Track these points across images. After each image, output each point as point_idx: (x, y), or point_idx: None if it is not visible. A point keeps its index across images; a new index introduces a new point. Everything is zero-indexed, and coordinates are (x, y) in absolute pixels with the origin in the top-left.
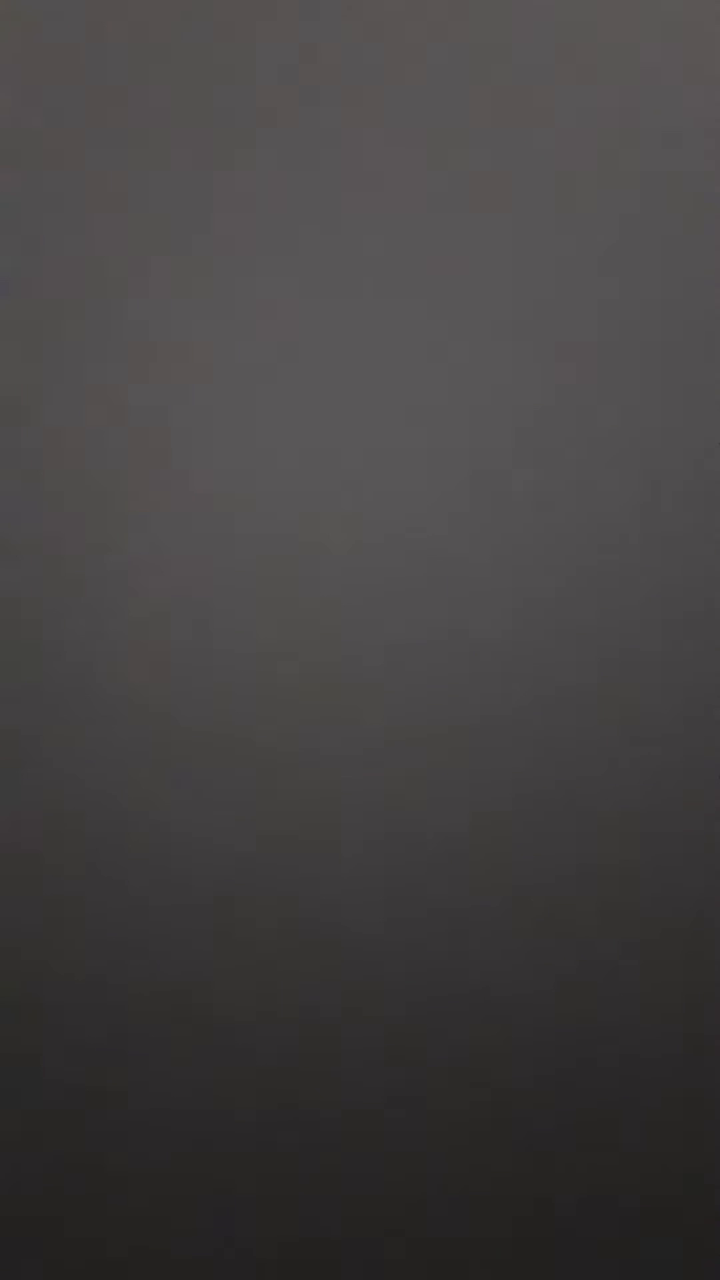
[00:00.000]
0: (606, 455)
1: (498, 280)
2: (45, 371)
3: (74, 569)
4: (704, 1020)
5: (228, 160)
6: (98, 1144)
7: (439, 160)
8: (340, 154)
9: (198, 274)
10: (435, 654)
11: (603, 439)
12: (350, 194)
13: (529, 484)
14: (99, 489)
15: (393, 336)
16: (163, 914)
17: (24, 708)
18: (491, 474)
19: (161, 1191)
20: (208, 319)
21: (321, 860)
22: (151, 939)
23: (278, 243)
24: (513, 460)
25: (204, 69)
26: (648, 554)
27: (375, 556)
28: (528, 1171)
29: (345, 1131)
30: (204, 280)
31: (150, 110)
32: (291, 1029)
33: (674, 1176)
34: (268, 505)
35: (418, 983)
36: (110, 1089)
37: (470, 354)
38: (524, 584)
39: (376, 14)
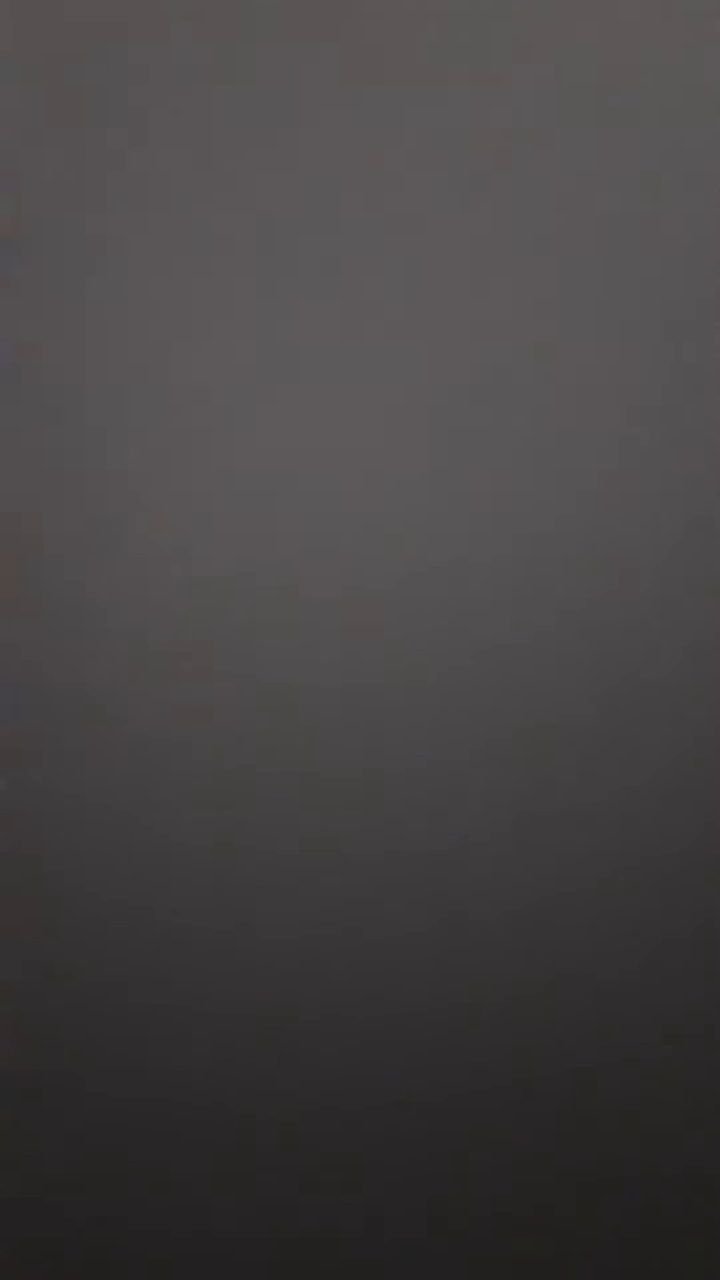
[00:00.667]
0: (608, 462)
1: (499, 285)
2: (45, 372)
3: (73, 570)
4: (704, 1022)
5: (229, 160)
6: (99, 1146)
7: (440, 162)
8: (342, 157)
9: (199, 273)
10: (435, 658)
11: (604, 446)
12: (352, 198)
13: (531, 491)
14: (98, 490)
15: (393, 339)
16: (161, 924)
17: (22, 712)
18: (492, 481)
19: (163, 1190)
20: (208, 321)
21: (320, 868)
22: (151, 947)
23: (279, 244)
24: (514, 467)
25: (205, 67)
26: (649, 558)
27: (376, 558)
28: (530, 1173)
29: (344, 1131)
30: (205, 282)
31: (151, 108)
32: (292, 1035)
33: (675, 1181)
34: (267, 507)
35: (417, 988)
36: (110, 1091)
37: (472, 361)
38: (526, 593)
39: (376, 17)
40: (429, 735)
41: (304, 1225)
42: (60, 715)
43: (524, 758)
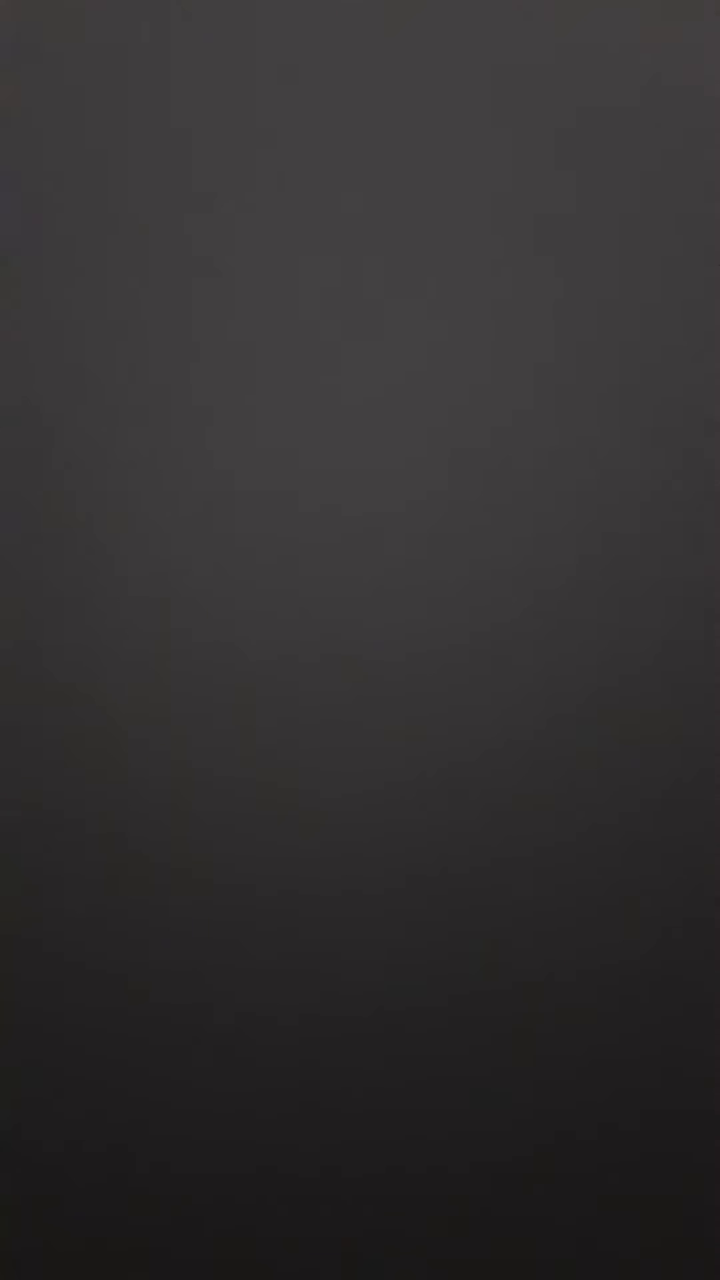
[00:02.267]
0: (606, 457)
1: (498, 282)
2: (45, 378)
3: (72, 571)
4: (705, 1021)
5: (228, 161)
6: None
7: (439, 164)
8: (340, 158)
9: (199, 274)
10: (434, 652)
11: (604, 444)
12: (350, 198)
13: (531, 485)
14: (99, 489)
15: (394, 338)
16: (161, 923)
17: (21, 712)
18: (492, 476)
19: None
20: (208, 320)
21: (320, 863)
22: (150, 945)
23: (280, 246)
24: (513, 461)
25: (204, 67)
26: (648, 548)
27: (375, 553)
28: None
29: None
30: (206, 283)
31: (151, 114)
32: (291, 1037)
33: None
34: (267, 506)
35: (416, 988)
36: (109, 1089)
37: (470, 355)
38: (524, 582)
39: (373, 5)
40: (428, 734)
41: (303, 1227)
42: (59, 722)
43: (525, 754)
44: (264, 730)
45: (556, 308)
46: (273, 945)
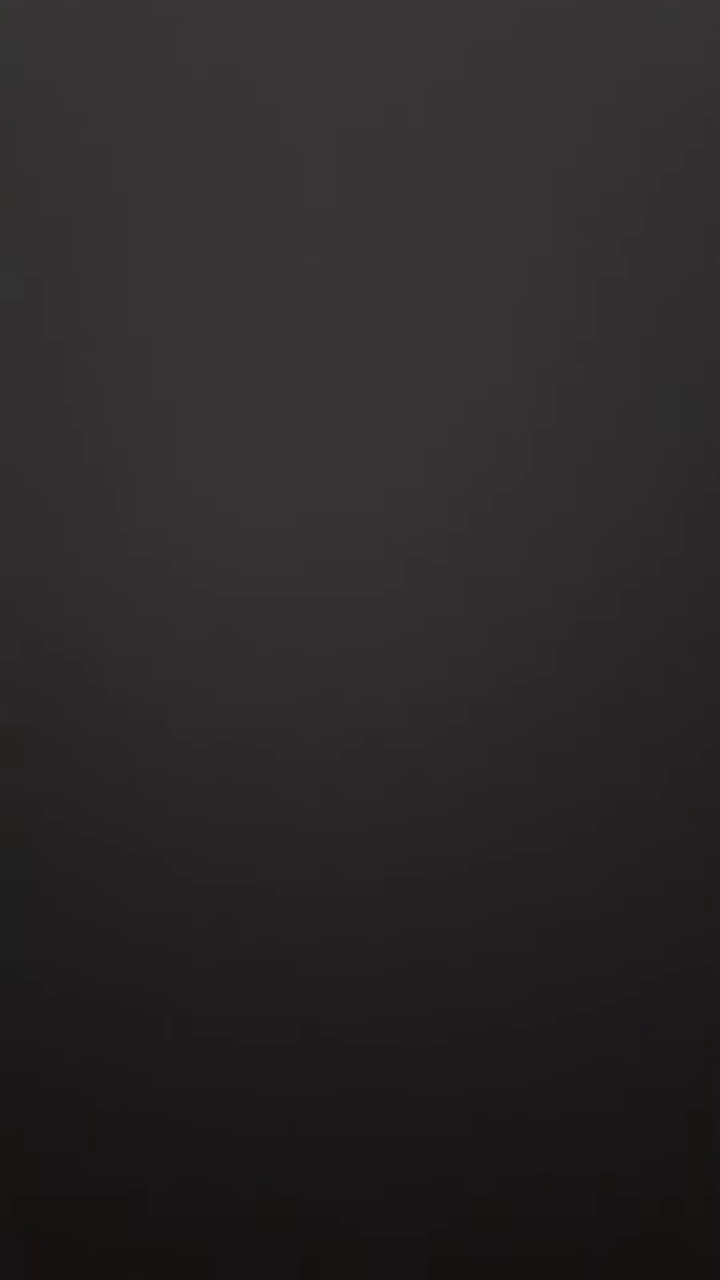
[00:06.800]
0: (611, 475)
1: (500, 297)
2: (45, 384)
3: (72, 573)
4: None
5: (228, 170)
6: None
7: (440, 170)
8: (340, 162)
9: (197, 287)
10: (435, 666)
11: (608, 460)
12: (349, 204)
13: (531, 505)
14: (98, 498)
15: (394, 351)
16: (157, 938)
17: (22, 714)
18: (492, 495)
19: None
20: (207, 332)
21: (318, 873)
22: (149, 949)
23: (279, 254)
24: (515, 484)
25: (203, 69)
26: (652, 565)
27: (375, 566)
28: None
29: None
30: (203, 296)
31: (152, 124)
32: (290, 1037)
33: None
34: (267, 519)
35: (415, 988)
36: (109, 1094)
37: (472, 372)
38: (523, 604)
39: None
40: (425, 736)
41: (301, 1225)
42: (58, 726)
43: (526, 768)
44: (262, 716)
45: (562, 322)
46: (270, 948)
